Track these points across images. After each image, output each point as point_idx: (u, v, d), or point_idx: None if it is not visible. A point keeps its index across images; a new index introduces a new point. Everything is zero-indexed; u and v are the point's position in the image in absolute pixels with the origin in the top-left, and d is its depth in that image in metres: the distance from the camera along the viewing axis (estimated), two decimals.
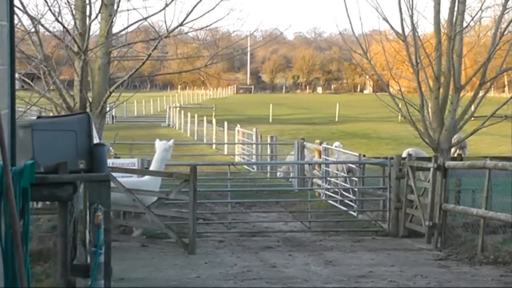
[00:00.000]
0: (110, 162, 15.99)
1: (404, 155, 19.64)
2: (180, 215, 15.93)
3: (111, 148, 19.24)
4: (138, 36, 19.09)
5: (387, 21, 20.04)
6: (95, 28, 17.06)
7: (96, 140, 8.63)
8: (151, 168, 16.25)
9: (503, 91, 72.32)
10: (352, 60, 25.40)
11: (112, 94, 17.23)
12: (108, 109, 18.24)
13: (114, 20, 16.92)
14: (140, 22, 17.36)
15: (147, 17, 17.12)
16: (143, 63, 17.30)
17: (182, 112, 60.77)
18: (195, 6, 16.74)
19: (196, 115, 52.35)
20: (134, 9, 17.16)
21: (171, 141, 16.79)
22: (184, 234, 15.00)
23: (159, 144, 16.46)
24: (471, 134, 20.31)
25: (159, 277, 12.30)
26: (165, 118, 70.04)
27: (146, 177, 16.07)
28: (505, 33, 19.94)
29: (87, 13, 16.66)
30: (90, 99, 16.98)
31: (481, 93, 19.95)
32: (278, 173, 29.78)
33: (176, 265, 13.35)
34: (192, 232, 14.65)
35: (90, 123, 8.36)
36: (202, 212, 19.03)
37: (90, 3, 16.72)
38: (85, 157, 8.12)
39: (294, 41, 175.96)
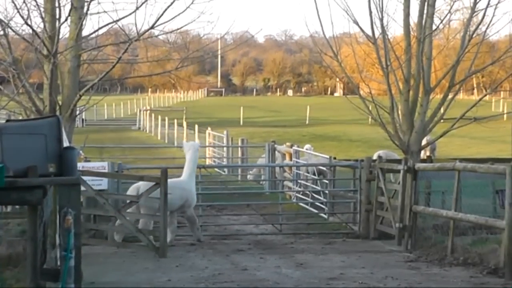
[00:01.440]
0: (80, 165, 15.89)
1: (374, 157, 19.71)
2: (151, 219, 15.85)
3: (81, 151, 19.11)
4: (108, 39, 18.98)
5: (357, 23, 20.10)
6: (65, 31, 16.97)
7: (66, 143, 8.59)
8: (187, 169, 16.01)
9: (472, 94, 72.95)
10: (323, 63, 25.33)
11: (82, 97, 17.13)
12: (78, 112, 18.12)
13: (84, 23, 16.82)
14: (110, 25, 17.29)
15: (117, 20, 17.02)
16: (113, 66, 17.19)
17: (153, 115, 60.70)
18: (165, 10, 16.66)
19: (166, 118, 52.26)
20: (104, 12, 17.05)
21: (197, 142, 16.81)
22: (155, 237, 14.96)
23: (191, 145, 16.42)
24: (441, 136, 20.43)
25: (129, 280, 12.25)
26: (136, 121, 69.94)
27: (186, 177, 16.07)
28: (474, 35, 20.06)
29: (57, 16, 16.54)
30: (60, 103, 16.87)
31: (450, 96, 20.08)
32: (249, 176, 29.75)
33: (147, 268, 13.30)
34: (163, 235, 14.61)
35: (59, 127, 8.33)
36: None
37: (59, 6, 16.61)
38: (55, 160, 8.08)
39: (264, 43, 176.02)
